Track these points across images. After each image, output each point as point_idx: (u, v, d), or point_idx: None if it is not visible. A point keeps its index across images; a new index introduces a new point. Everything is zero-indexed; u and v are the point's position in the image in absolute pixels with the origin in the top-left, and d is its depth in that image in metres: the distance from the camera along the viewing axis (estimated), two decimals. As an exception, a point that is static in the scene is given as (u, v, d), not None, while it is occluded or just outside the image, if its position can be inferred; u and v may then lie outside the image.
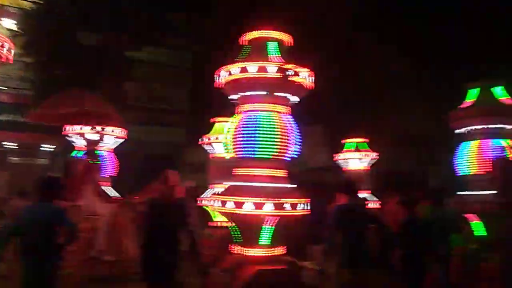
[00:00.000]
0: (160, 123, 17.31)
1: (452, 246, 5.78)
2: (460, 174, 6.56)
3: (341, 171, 10.91)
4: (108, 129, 8.31)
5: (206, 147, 9.07)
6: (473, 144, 6.26)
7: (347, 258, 4.83)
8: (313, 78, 4.77)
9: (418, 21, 14.50)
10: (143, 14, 14.55)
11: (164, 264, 4.48)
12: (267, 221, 4.52)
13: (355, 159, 10.37)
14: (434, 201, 5.89)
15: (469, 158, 6.26)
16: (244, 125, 4.63)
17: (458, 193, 6.50)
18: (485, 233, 6.25)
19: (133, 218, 6.56)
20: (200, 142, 9.11)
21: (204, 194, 8.66)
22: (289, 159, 4.71)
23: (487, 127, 6.23)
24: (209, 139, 8.97)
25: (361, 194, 10.12)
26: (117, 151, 9.07)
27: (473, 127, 6.24)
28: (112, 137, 8.59)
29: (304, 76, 4.69)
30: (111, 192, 8.44)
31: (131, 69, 15.39)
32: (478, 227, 6.30)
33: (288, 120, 4.76)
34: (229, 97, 5.03)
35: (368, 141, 10.64)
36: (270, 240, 4.65)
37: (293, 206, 4.55)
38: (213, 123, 9.18)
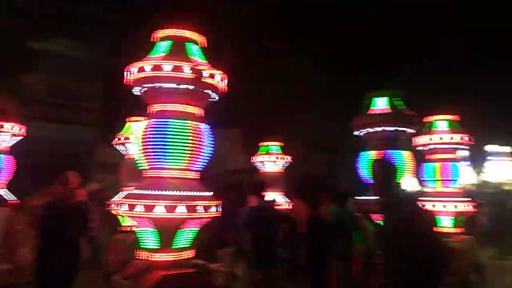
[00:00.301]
0: (69, 120, 16.15)
1: (353, 245, 6.24)
2: (363, 178, 7.07)
3: (257, 173, 11.13)
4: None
5: (119, 148, 8.65)
6: (373, 153, 6.79)
7: (257, 259, 4.92)
8: (226, 81, 4.77)
9: (328, 29, 15.42)
10: (52, 2, 13.48)
11: (62, 272, 4.17)
12: (191, 224, 4.44)
13: (269, 161, 10.65)
14: (338, 203, 6.32)
15: (368, 165, 6.77)
16: (154, 131, 4.46)
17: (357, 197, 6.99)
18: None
19: (30, 223, 6.03)
20: (113, 142, 8.66)
21: (115, 197, 8.24)
22: (201, 167, 4.65)
23: (387, 135, 6.77)
24: (121, 138, 8.56)
25: (274, 195, 10.45)
26: (16, 150, 8.26)
27: (374, 133, 6.75)
28: (4, 135, 7.78)
29: (218, 79, 4.67)
30: (7, 194, 7.66)
31: (37, 62, 14.15)
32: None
33: (201, 126, 4.69)
34: (135, 94, 4.83)
35: (282, 144, 10.99)
36: (188, 243, 4.57)
37: (217, 207, 4.52)
38: (127, 122, 8.79)
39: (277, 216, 5.47)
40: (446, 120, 8.93)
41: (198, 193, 4.51)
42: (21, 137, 8.11)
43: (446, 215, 8.72)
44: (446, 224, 8.78)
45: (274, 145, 11.00)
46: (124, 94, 6.87)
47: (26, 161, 8.74)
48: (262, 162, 10.75)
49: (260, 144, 11.18)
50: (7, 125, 7.59)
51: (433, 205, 8.67)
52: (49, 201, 4.55)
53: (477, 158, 20.69)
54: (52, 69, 15.73)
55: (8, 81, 11.72)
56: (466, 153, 20.14)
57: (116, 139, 8.58)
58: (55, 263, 4.11)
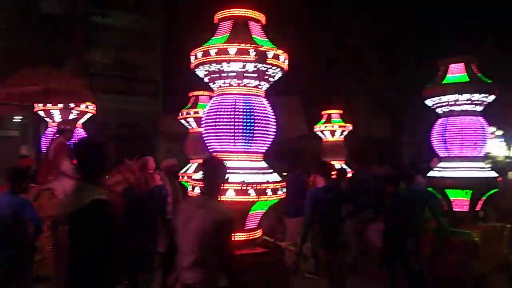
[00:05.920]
0: (133, 92, 16.75)
1: (424, 220, 6.03)
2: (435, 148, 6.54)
3: (319, 142, 10.97)
4: (78, 106, 8.11)
5: (183, 122, 8.88)
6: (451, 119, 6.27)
7: (323, 240, 4.90)
8: (287, 60, 4.65)
9: None
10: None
11: (138, 254, 4.43)
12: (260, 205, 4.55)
13: (330, 130, 10.42)
14: (405, 180, 5.97)
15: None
16: (220, 111, 4.50)
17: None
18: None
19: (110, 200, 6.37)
20: (178, 118, 8.89)
21: (184, 169, 8.56)
22: (266, 147, 4.65)
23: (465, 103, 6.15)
24: (184, 113, 8.78)
25: (337, 164, 10.33)
26: (88, 124, 8.80)
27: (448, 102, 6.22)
28: (82, 114, 8.42)
29: (281, 59, 4.56)
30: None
31: (101, 37, 14.61)
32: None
33: (266, 104, 4.68)
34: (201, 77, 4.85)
35: (341, 112, 10.66)
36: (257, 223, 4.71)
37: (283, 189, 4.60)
38: (191, 96, 8.96)
39: (339, 197, 5.22)
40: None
41: (267, 177, 4.54)
42: (91, 114, 8.62)
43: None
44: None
45: (334, 113, 10.72)
46: (182, 66, 6.93)
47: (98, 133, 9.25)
48: (322, 131, 10.57)
49: (322, 113, 10.93)
50: (82, 106, 8.17)
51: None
52: (127, 187, 4.78)
53: None
54: (115, 43, 16.26)
55: (74, 57, 12.27)
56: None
57: (181, 114, 8.80)
58: (131, 247, 4.36)
